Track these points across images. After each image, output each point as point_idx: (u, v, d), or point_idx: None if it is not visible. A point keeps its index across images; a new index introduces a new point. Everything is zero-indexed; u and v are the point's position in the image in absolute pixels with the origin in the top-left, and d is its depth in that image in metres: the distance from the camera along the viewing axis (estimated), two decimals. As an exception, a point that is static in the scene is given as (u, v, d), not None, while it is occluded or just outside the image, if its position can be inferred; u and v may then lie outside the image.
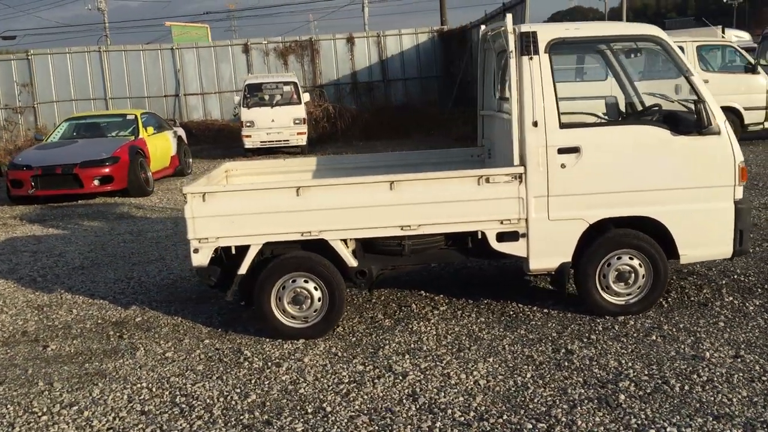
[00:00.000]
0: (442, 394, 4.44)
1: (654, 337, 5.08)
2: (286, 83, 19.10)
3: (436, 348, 5.17)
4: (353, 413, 4.26)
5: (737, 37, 24.45)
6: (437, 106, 23.36)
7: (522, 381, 4.54)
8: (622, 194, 5.33)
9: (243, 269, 5.41)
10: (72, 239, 9.75)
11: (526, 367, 4.75)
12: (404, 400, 4.38)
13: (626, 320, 5.42)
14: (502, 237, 5.39)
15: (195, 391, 4.71)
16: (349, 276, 5.51)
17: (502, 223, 5.35)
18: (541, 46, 5.29)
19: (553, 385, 4.45)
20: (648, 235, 5.43)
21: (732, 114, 14.27)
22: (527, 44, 5.28)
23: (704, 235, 5.42)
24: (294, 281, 5.46)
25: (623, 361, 4.72)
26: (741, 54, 14.95)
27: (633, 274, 5.45)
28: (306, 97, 19.02)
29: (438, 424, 4.06)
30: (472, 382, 4.57)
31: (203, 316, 6.22)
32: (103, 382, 4.93)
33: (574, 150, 5.27)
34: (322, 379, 4.77)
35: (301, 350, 5.29)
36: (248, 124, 18.31)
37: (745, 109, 14.32)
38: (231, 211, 5.32)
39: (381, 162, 6.94)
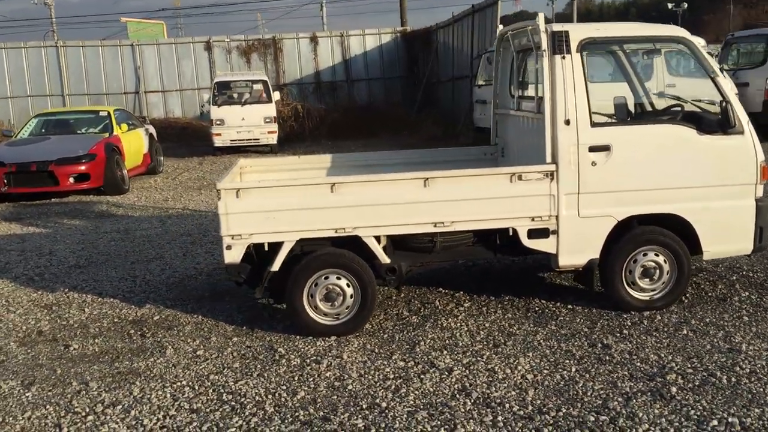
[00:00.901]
0: (493, 388, 4.48)
1: (685, 332, 5.22)
2: (256, 81, 18.95)
3: (472, 343, 5.21)
4: (410, 408, 4.27)
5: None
6: (401, 107, 23.43)
7: (569, 375, 4.61)
8: (649, 192, 5.46)
9: (275, 266, 5.36)
10: (58, 238, 9.50)
11: (567, 361, 4.83)
12: (457, 395, 4.41)
13: (652, 315, 5.55)
14: (532, 234, 5.45)
15: (240, 389, 4.65)
16: (378, 273, 5.51)
17: (533, 220, 5.43)
18: (573, 45, 5.38)
19: (600, 379, 4.53)
20: (672, 232, 5.56)
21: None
22: (560, 43, 5.36)
23: (727, 232, 5.58)
24: (326, 278, 5.44)
25: (662, 355, 4.83)
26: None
27: (658, 270, 5.58)
28: (276, 95, 18.90)
29: (500, 418, 4.10)
30: (519, 377, 4.63)
31: (223, 313, 6.14)
32: (141, 381, 4.84)
33: (605, 148, 5.38)
34: (366, 376, 4.77)
35: (335, 347, 5.27)
36: (218, 123, 18.10)
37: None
38: (265, 207, 5.27)
39: (393, 160, 6.96)
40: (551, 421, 4.03)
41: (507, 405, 4.24)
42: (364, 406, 4.33)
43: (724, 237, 5.59)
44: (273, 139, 18.36)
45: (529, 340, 5.23)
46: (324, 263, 5.42)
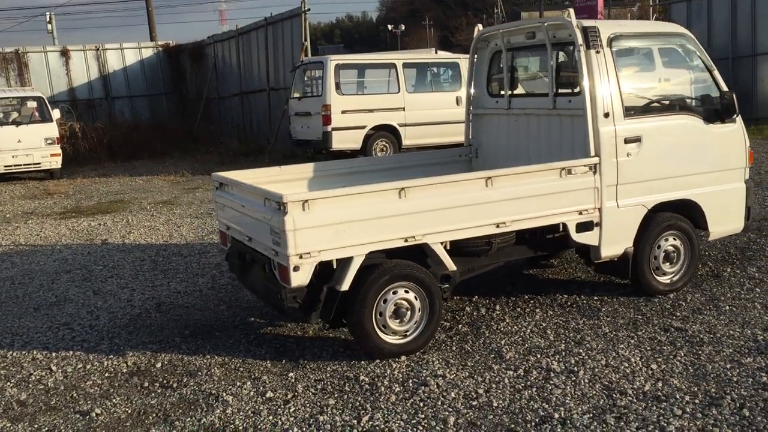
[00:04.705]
0: (637, 382, 4.39)
1: (723, 306, 5.56)
2: (29, 98, 16.68)
3: (557, 343, 5.07)
4: (592, 413, 4.03)
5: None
6: (184, 124, 22.08)
7: (687, 359, 4.68)
8: (672, 179, 5.74)
9: (344, 285, 4.75)
10: None
11: (665, 348, 4.89)
12: (613, 394, 4.26)
13: (676, 298, 5.82)
14: (579, 227, 5.46)
15: (377, 426, 4.05)
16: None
17: (580, 213, 5.43)
18: (603, 39, 5.49)
19: (718, 359, 4.66)
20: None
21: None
22: (594, 38, 5.43)
23: (726, 212, 6.07)
24: (395, 293, 4.94)
25: (736, 328, 5.10)
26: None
27: (676, 254, 5.88)
28: (57, 113, 16.80)
29: (674, 409, 4.03)
30: (644, 367, 4.59)
31: (235, 348, 5.34)
32: (244, 437, 4.00)
33: (637, 139, 5.55)
34: (493, 390, 4.41)
35: (418, 366, 4.81)
36: (-14, 147, 15.63)
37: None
38: (334, 219, 4.65)
39: (378, 166, 6.58)
40: (736, 405, 4.05)
41: (679, 396, 4.18)
42: (536, 419, 4.00)
43: (724, 218, 6.07)
44: (57, 163, 16.31)
45: (601, 333, 5.21)
46: (395, 277, 4.92)
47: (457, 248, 5.22)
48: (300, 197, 4.57)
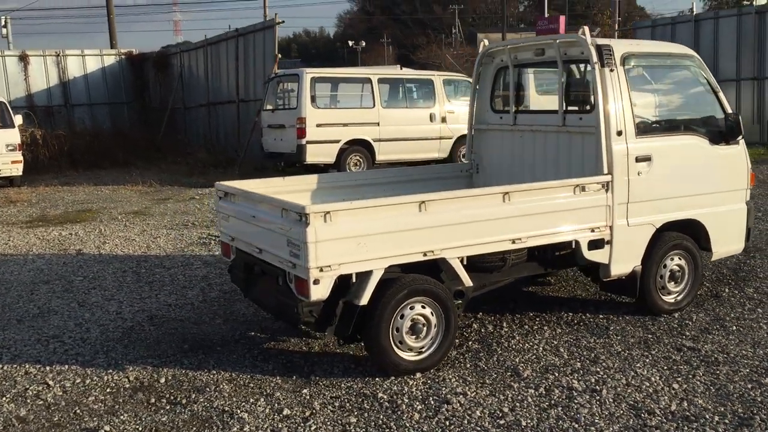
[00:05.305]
0: (662, 402, 4.36)
1: (730, 326, 5.59)
2: (-12, 103, 16.14)
3: (572, 361, 5.03)
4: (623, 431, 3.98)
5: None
6: (147, 133, 21.60)
7: (707, 379, 4.67)
8: (679, 199, 5.77)
9: (363, 299, 4.63)
10: None
11: (682, 368, 4.87)
12: (641, 414, 4.21)
13: (681, 317, 5.84)
14: (591, 245, 5.43)
15: (407, 445, 3.93)
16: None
17: (593, 231, 5.41)
18: (617, 58, 5.51)
19: (737, 378, 4.66)
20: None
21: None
22: (608, 57, 5.44)
23: (729, 233, 6.12)
24: (412, 308, 4.84)
25: (748, 348, 5.13)
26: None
27: (681, 273, 5.90)
28: (18, 119, 16.29)
29: (707, 429, 4.01)
30: (666, 386, 4.56)
31: (240, 364, 5.16)
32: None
33: (648, 158, 5.57)
34: (520, 409, 4.33)
35: (432, 385, 4.70)
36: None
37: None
38: (355, 231, 4.54)
39: (381, 179, 6.49)
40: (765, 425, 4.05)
41: (708, 416, 4.15)
42: (569, 440, 3.93)
43: (726, 238, 6.12)
44: (18, 170, 15.79)
45: (614, 352, 5.18)
46: (413, 292, 4.81)
47: (471, 264, 5.14)
48: (322, 208, 4.44)
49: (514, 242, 5.11)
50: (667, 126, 5.84)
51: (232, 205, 5.47)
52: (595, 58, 5.44)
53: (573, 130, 5.86)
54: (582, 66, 6.02)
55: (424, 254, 4.79)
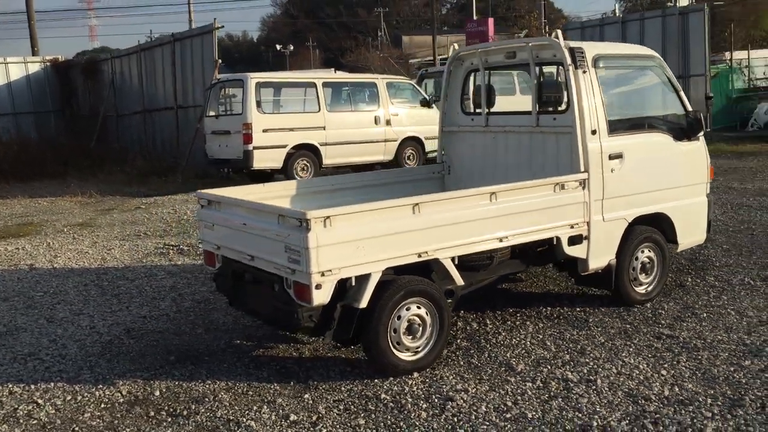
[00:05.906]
0: (655, 388, 4.55)
1: (700, 314, 5.86)
2: None
3: (560, 354, 5.18)
4: (626, 418, 4.14)
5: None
6: (62, 142, 20.88)
7: (692, 365, 4.89)
8: (648, 194, 6.02)
9: (363, 302, 4.67)
10: None
11: (665, 354, 5.09)
12: (638, 400, 4.39)
13: (653, 307, 6.09)
14: (570, 241, 5.61)
15: (422, 443, 4.00)
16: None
17: (572, 227, 5.59)
18: (589, 59, 5.71)
19: (719, 362, 4.90)
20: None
21: (415, 143, 16.07)
22: (580, 58, 5.64)
23: (692, 225, 6.41)
24: (408, 309, 4.91)
25: (721, 333, 5.40)
26: (419, 91, 16.87)
27: (651, 265, 6.16)
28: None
29: (703, 412, 4.21)
30: (655, 373, 4.76)
31: (233, 372, 5.13)
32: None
33: (620, 156, 5.79)
34: (523, 402, 4.45)
35: (431, 384, 4.78)
36: None
37: (426, 138, 16.07)
38: (354, 235, 4.59)
39: (356, 183, 6.55)
40: (758, 404, 4.27)
41: (701, 399, 4.36)
42: (577, 429, 4.07)
43: (690, 230, 6.41)
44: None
45: (598, 343, 5.37)
46: (409, 293, 4.88)
47: (461, 263, 5.24)
48: (322, 214, 4.47)
49: (501, 240, 5.24)
50: (636, 124, 6.08)
51: (217, 212, 5.42)
52: (569, 60, 5.62)
53: (547, 130, 6.04)
54: (553, 68, 6.20)
55: (419, 255, 4.87)
